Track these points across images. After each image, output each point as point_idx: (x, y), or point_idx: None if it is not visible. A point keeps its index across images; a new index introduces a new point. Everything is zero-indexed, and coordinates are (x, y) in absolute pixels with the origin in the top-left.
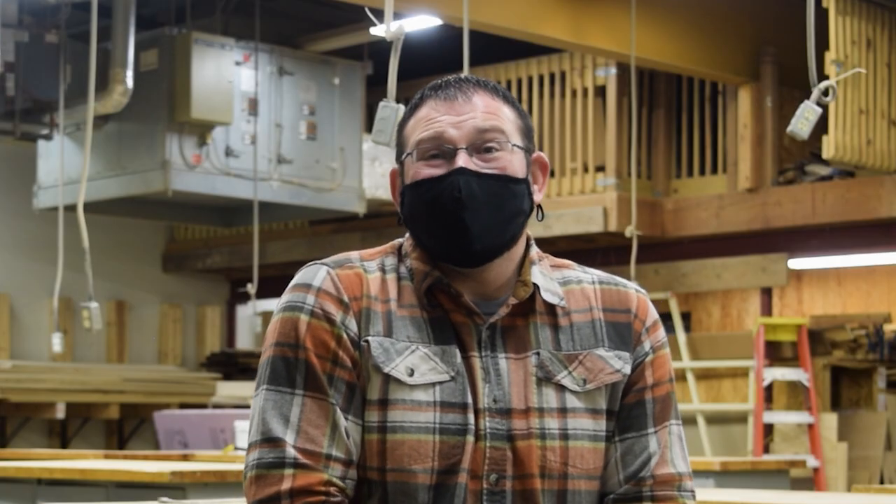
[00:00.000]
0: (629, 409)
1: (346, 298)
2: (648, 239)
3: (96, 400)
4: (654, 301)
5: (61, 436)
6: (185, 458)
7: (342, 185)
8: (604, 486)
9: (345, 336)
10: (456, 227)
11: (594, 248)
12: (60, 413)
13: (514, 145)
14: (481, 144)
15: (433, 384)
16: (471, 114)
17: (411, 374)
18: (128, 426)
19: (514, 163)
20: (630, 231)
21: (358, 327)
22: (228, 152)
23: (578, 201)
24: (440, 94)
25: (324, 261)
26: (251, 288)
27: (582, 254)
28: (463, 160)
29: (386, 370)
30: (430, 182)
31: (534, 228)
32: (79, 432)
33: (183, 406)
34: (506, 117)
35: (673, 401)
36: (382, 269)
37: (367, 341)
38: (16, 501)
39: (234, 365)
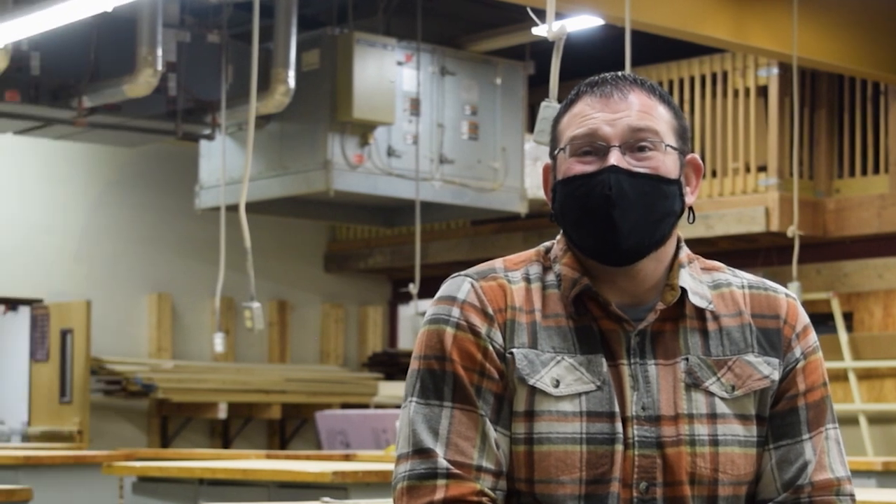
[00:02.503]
0: (782, 417)
1: (490, 311)
2: (810, 239)
3: (258, 400)
4: (815, 301)
5: (223, 436)
6: (346, 458)
7: (504, 185)
8: (760, 494)
9: (490, 348)
10: (605, 225)
11: (756, 248)
12: (222, 413)
13: (668, 146)
14: (634, 143)
15: (579, 394)
16: (626, 112)
17: (556, 385)
18: (289, 426)
19: (666, 163)
20: (792, 231)
21: (503, 339)
22: (390, 152)
23: (740, 201)
24: (596, 90)
25: (467, 272)
26: (413, 288)
27: (743, 254)
28: (615, 158)
29: (531, 382)
30: (581, 178)
31: (696, 229)
32: (241, 432)
33: (345, 406)
34: (661, 117)
35: (828, 405)
36: (527, 279)
37: (511, 353)
38: (178, 501)
39: (395, 365)
